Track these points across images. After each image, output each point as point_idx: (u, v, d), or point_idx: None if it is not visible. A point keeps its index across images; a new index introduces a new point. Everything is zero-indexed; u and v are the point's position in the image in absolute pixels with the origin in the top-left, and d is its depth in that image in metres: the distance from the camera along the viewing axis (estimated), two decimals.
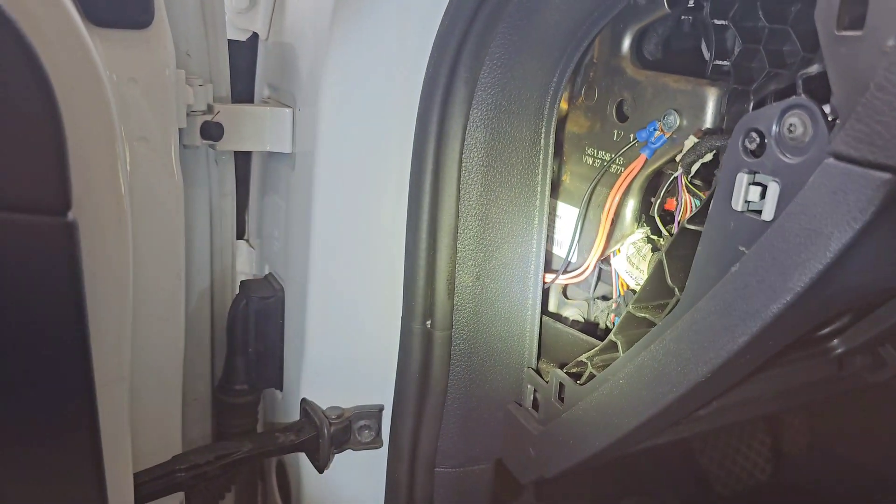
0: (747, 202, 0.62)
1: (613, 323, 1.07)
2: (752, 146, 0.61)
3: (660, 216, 0.79)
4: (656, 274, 0.73)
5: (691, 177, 0.76)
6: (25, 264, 0.58)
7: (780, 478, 1.43)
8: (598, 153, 0.93)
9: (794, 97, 0.57)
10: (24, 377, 0.62)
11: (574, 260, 0.96)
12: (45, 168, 0.55)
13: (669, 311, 0.72)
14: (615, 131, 0.89)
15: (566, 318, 1.04)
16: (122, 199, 0.66)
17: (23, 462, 0.65)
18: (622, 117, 0.89)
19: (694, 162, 0.74)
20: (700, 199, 0.76)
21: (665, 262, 0.71)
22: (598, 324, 1.08)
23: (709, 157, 0.74)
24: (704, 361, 0.66)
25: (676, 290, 0.70)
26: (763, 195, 0.61)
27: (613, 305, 1.05)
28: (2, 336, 0.59)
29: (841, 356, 0.94)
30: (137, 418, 0.82)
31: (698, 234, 0.69)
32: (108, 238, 0.66)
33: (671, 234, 0.78)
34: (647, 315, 0.75)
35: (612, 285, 1.03)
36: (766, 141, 0.59)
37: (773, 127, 0.59)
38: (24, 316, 0.60)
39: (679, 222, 0.76)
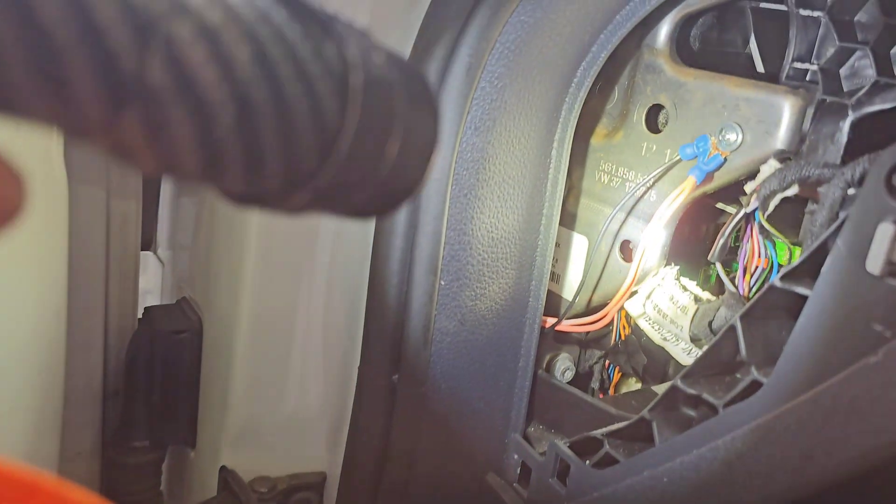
0: (891, 264, 0.44)
1: (608, 374, 0.90)
2: None
3: (722, 263, 0.60)
4: (723, 342, 0.55)
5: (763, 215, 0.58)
6: None
7: None
8: (616, 170, 0.74)
9: None
10: None
11: (578, 301, 0.77)
12: None
13: (740, 395, 0.54)
14: (644, 144, 0.70)
15: (556, 368, 0.85)
16: None
17: None
18: (655, 127, 0.70)
19: (774, 195, 0.56)
20: (773, 245, 0.58)
21: (740, 328, 0.53)
22: (590, 373, 0.90)
23: (792, 190, 0.56)
24: (804, 474, 0.48)
25: (754, 367, 0.52)
26: None
27: (610, 353, 0.87)
28: None
29: None
30: None
31: (794, 296, 0.50)
32: None
33: (736, 288, 0.60)
34: (701, 392, 0.57)
35: (610, 328, 0.85)
36: None
37: None
38: None
39: (752, 275, 0.58)
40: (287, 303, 0.76)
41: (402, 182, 0.26)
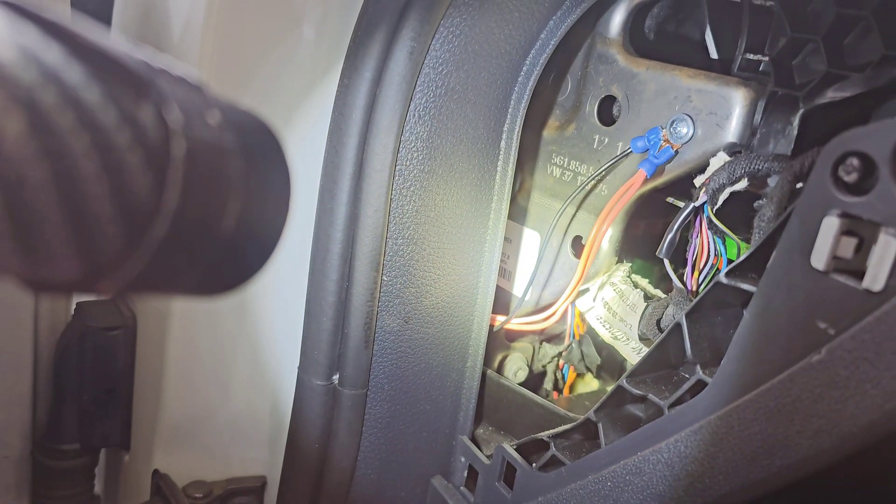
0: (836, 258, 0.42)
1: (563, 375, 0.87)
2: (851, 178, 0.41)
3: (670, 260, 0.58)
4: (669, 340, 0.53)
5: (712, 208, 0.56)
6: None
7: None
8: (568, 163, 0.71)
9: None
10: None
11: (528, 298, 0.75)
12: None
13: (684, 395, 0.52)
14: (596, 137, 0.68)
15: (507, 368, 0.82)
16: None
17: None
18: (606, 119, 0.68)
19: (723, 189, 0.54)
20: (724, 241, 0.56)
21: (685, 326, 0.51)
22: (544, 373, 0.87)
23: (741, 185, 0.54)
24: (748, 477, 0.46)
25: (699, 367, 0.50)
26: (859, 249, 0.41)
27: (564, 353, 0.85)
28: None
29: None
30: None
31: (739, 292, 0.48)
32: None
33: (684, 285, 0.58)
34: (647, 392, 0.54)
35: (563, 327, 0.83)
36: (878, 172, 0.39)
37: (889, 152, 0.39)
38: None
39: (701, 271, 0.56)
40: (219, 304, 0.73)
41: (246, 255, 0.23)
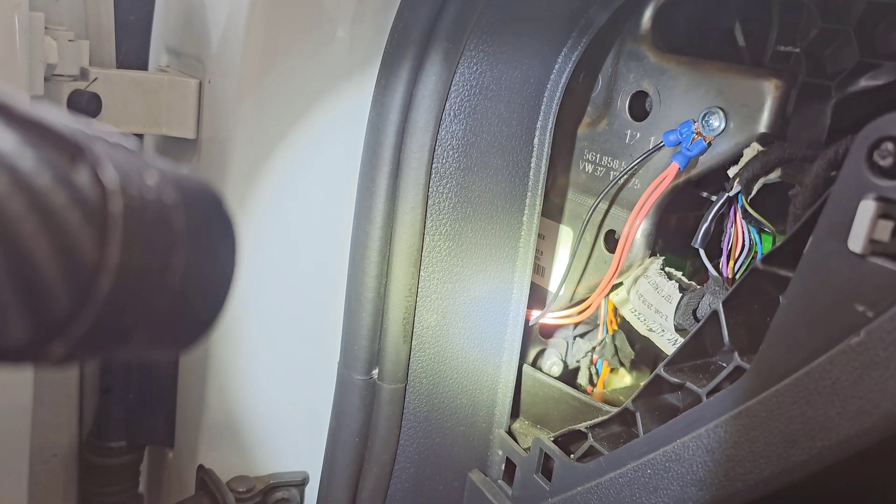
0: (872, 242, 0.42)
1: (596, 370, 0.88)
2: (887, 162, 0.42)
3: (704, 249, 0.59)
4: (706, 329, 0.54)
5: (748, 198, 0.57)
6: None
7: None
8: (601, 159, 0.72)
9: None
10: None
11: (563, 293, 0.76)
12: None
13: (724, 381, 0.52)
14: (628, 132, 0.69)
15: (542, 363, 0.83)
16: None
17: None
18: (638, 114, 0.69)
19: (756, 179, 0.55)
20: (758, 230, 0.57)
21: (722, 314, 0.52)
22: (578, 368, 0.88)
23: (775, 174, 0.55)
24: (788, 460, 0.46)
25: (737, 354, 0.51)
26: None
27: (597, 347, 0.86)
28: None
29: None
30: None
31: (776, 278, 0.49)
32: None
33: (720, 274, 0.59)
34: (685, 381, 0.55)
35: (596, 322, 0.83)
36: None
37: None
38: None
39: (736, 261, 0.57)
40: (261, 303, 0.75)
41: (195, 309, 0.23)
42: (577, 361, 0.87)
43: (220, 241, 0.24)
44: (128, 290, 0.20)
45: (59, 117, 0.20)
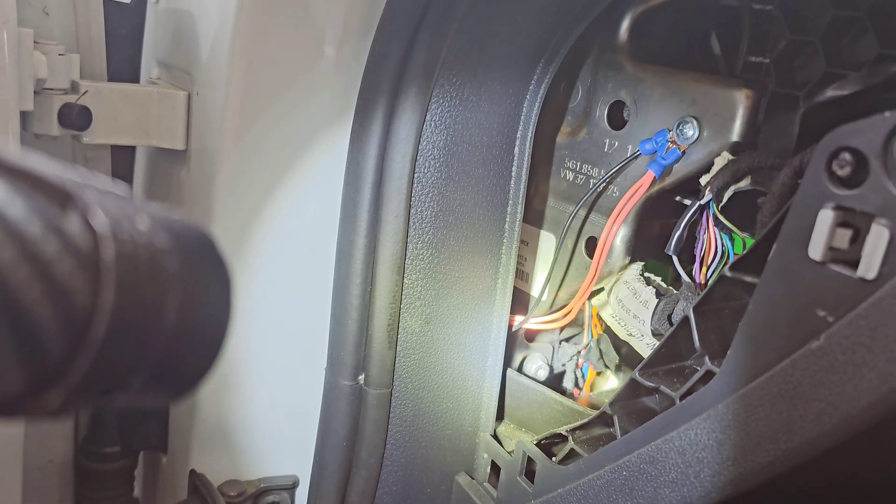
0: (832, 249, 0.44)
1: (582, 373, 0.89)
2: (844, 172, 0.43)
3: (682, 255, 0.60)
4: (679, 334, 0.55)
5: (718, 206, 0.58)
6: None
7: None
8: (581, 167, 0.74)
9: None
10: None
11: (546, 298, 0.77)
12: None
13: (694, 386, 0.54)
14: (606, 140, 0.71)
15: (528, 367, 0.85)
16: None
17: None
18: (617, 123, 0.70)
19: (727, 186, 0.56)
20: (730, 237, 0.58)
21: (693, 320, 0.53)
22: (564, 372, 0.90)
23: (745, 182, 0.56)
24: (755, 461, 0.48)
25: (707, 358, 0.52)
26: (854, 240, 0.43)
27: (583, 351, 0.87)
28: None
29: None
30: None
31: (744, 284, 0.51)
32: None
33: (692, 280, 0.60)
34: (659, 385, 0.57)
35: (582, 326, 0.85)
36: (869, 166, 0.41)
37: (879, 146, 0.41)
38: None
39: (708, 267, 0.59)
40: (248, 311, 0.76)
41: (192, 353, 0.23)
42: (563, 365, 0.89)
43: (214, 284, 0.24)
44: (123, 334, 0.20)
45: (48, 165, 0.20)
